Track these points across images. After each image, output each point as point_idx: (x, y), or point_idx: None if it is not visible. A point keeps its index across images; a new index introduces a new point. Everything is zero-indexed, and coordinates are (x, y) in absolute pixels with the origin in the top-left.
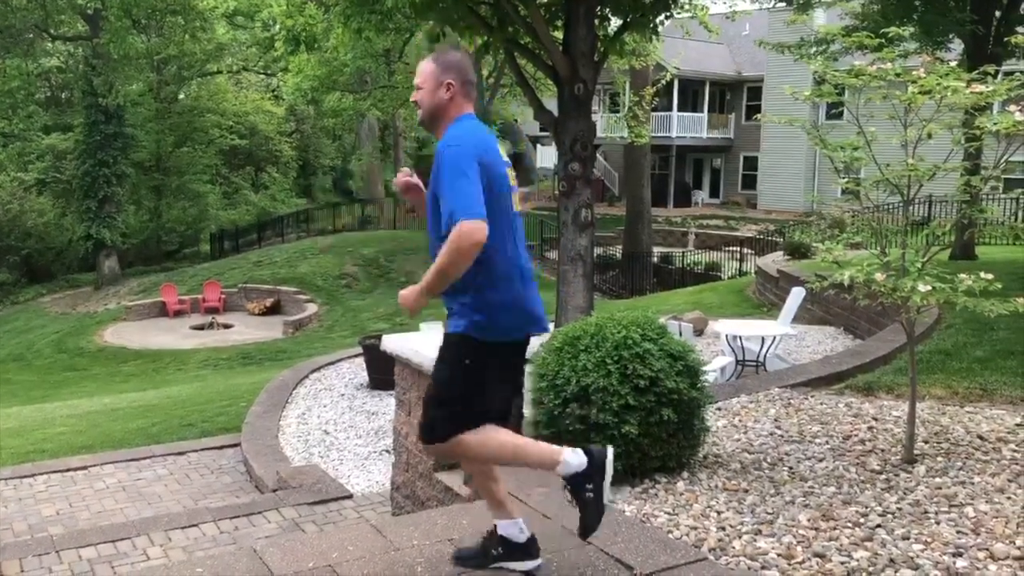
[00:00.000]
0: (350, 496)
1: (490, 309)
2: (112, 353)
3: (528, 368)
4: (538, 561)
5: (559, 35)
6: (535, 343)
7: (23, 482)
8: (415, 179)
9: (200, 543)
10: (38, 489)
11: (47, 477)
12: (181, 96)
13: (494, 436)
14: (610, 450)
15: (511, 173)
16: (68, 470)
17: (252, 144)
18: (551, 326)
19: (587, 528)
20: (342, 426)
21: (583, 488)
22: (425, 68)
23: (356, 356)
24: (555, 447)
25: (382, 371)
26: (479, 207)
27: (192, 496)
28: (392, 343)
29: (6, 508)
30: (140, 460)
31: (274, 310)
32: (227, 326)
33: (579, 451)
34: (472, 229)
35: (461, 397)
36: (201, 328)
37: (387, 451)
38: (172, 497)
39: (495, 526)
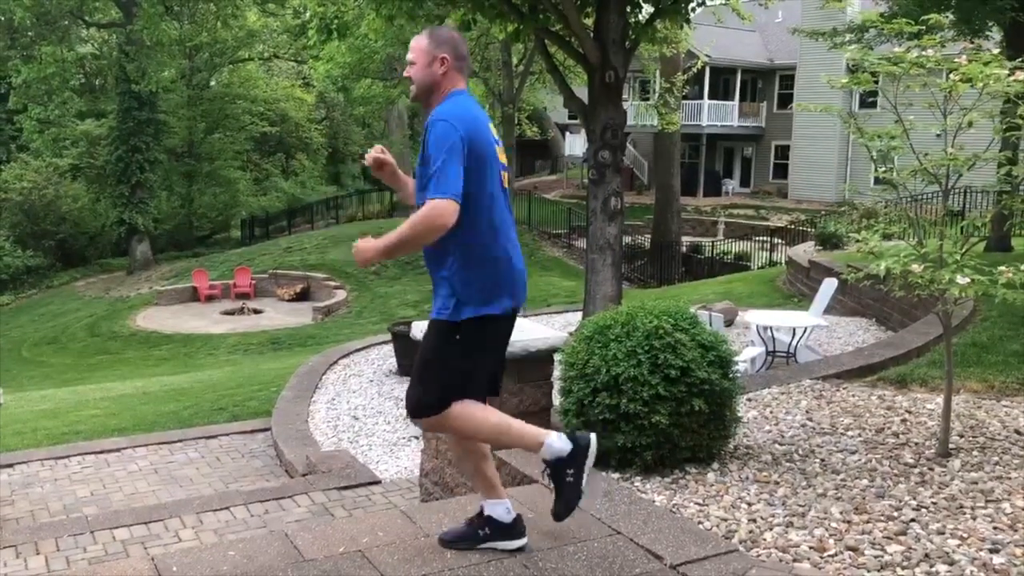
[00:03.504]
0: (379, 482)
1: (474, 288)
2: (144, 337)
3: (558, 357)
4: (524, 540)
5: (590, 22)
6: (564, 334)
7: (58, 463)
8: (387, 156)
9: (231, 526)
10: (73, 470)
11: (81, 458)
12: (212, 83)
13: (479, 412)
14: (593, 437)
15: (500, 150)
16: (102, 452)
17: (282, 131)
18: (579, 316)
19: (560, 513)
20: (371, 412)
21: (563, 472)
22: (418, 43)
23: (385, 342)
24: (541, 430)
25: (411, 357)
26: (456, 187)
27: (223, 479)
28: (422, 330)
29: (42, 488)
30: (172, 443)
31: (304, 296)
32: (257, 311)
33: (563, 436)
34: (443, 211)
35: (449, 377)
36: (232, 313)
37: (415, 437)
38: (203, 480)
39: (481, 508)
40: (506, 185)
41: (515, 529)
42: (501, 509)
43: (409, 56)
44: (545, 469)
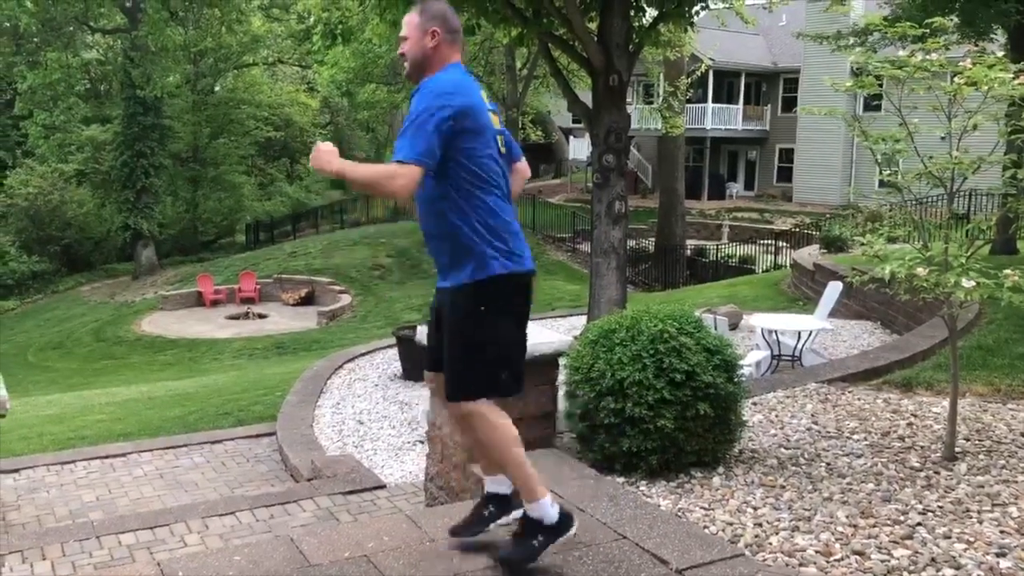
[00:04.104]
0: (384, 486)
1: (496, 243)
2: (149, 342)
3: (563, 361)
4: (522, 508)
5: (594, 26)
6: (568, 338)
7: (64, 468)
8: None
9: (237, 531)
10: (78, 475)
11: (87, 463)
12: (217, 88)
13: (510, 431)
14: (576, 524)
15: (495, 117)
16: (107, 457)
17: (287, 136)
18: (583, 320)
19: (506, 560)
20: (376, 416)
21: (534, 535)
22: (410, 19)
23: (390, 347)
24: (542, 487)
25: (415, 362)
26: (425, 150)
27: (228, 484)
28: (424, 334)
29: (48, 493)
30: (177, 448)
31: (308, 300)
32: (262, 316)
33: (557, 507)
34: (405, 177)
35: (483, 344)
36: (237, 318)
37: (420, 442)
38: (209, 485)
39: (483, 487)
40: (502, 150)
41: (513, 501)
42: (502, 484)
43: (402, 32)
44: (521, 518)
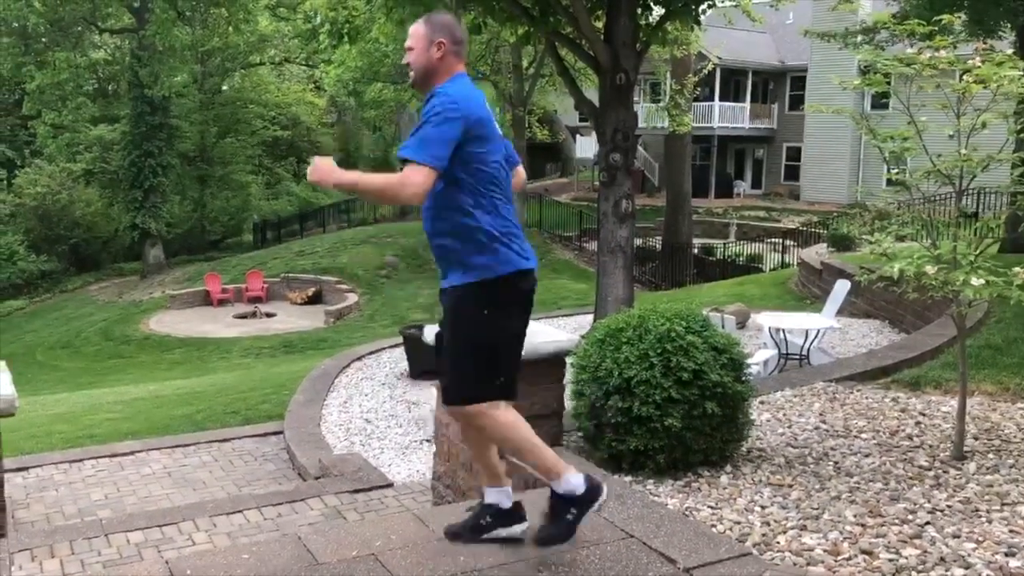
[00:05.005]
0: (391, 485)
1: (504, 241)
2: (157, 341)
3: (569, 360)
4: (525, 524)
5: (600, 24)
6: (575, 337)
7: (72, 466)
8: None
9: (244, 529)
10: (87, 473)
11: (95, 462)
12: (224, 87)
13: (517, 421)
14: (606, 488)
15: (496, 126)
16: (115, 455)
17: (294, 135)
18: (590, 318)
19: (546, 540)
20: (383, 415)
21: (566, 510)
22: (416, 30)
23: (396, 346)
24: (562, 462)
25: (422, 361)
26: (440, 152)
27: (236, 483)
28: (434, 334)
29: (57, 492)
30: (185, 446)
31: (315, 299)
32: (270, 315)
33: (582, 476)
34: (418, 182)
35: (483, 347)
36: (244, 317)
37: (428, 440)
38: (216, 483)
39: (483, 496)
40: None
41: (515, 515)
42: (502, 495)
43: (408, 43)
44: (551, 496)
